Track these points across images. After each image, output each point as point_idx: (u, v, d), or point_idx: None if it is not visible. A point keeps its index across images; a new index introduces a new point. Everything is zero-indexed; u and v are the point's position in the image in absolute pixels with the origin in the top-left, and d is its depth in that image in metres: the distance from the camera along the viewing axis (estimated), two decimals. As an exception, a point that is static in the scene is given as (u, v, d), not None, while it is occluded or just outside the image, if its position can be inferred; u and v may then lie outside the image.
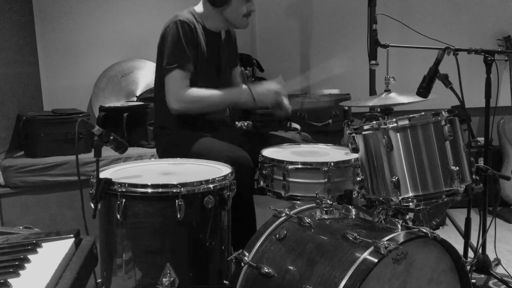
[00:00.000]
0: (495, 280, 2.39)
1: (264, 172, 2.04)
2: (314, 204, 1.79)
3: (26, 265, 1.00)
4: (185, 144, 2.20)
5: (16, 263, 0.99)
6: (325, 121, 3.28)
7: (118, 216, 1.65)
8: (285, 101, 2.34)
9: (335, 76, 2.16)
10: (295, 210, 1.76)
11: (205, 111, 2.27)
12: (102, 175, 1.73)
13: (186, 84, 2.19)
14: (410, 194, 1.70)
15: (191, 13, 2.28)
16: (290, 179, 1.95)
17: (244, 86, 2.29)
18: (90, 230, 1.69)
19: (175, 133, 2.30)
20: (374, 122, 1.76)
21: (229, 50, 2.45)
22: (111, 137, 1.72)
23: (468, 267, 1.99)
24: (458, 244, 2.39)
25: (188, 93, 2.18)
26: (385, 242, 1.42)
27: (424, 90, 1.89)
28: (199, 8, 2.32)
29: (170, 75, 2.17)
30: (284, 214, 1.74)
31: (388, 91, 2.11)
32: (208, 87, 2.25)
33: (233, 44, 2.50)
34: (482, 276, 2.42)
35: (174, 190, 1.64)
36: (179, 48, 2.16)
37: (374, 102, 2.13)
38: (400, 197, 1.70)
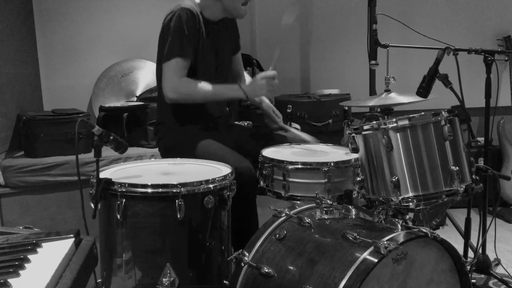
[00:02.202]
0: (495, 280, 2.39)
1: (264, 172, 2.04)
2: (314, 204, 1.80)
3: (26, 265, 1.00)
4: (188, 147, 2.19)
5: (16, 263, 0.99)
6: (325, 121, 3.28)
7: (118, 216, 1.65)
8: (278, 116, 2.44)
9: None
10: (295, 210, 1.76)
11: (197, 102, 2.27)
12: (102, 175, 1.73)
13: (183, 74, 2.19)
14: (410, 194, 1.70)
15: (193, 3, 2.28)
16: (290, 179, 1.95)
17: (234, 85, 2.30)
18: (90, 230, 1.69)
19: (177, 130, 2.30)
20: (374, 122, 1.76)
21: (228, 37, 2.45)
22: (111, 137, 1.72)
23: (468, 267, 1.99)
24: (458, 244, 2.39)
25: (184, 84, 2.19)
26: (385, 242, 1.42)
27: (424, 90, 1.89)
28: None
29: (169, 62, 2.16)
30: (284, 214, 1.74)
31: (388, 91, 2.11)
32: (207, 76, 2.26)
33: (233, 29, 2.49)
34: (482, 276, 2.42)
35: (174, 190, 1.64)
36: (181, 36, 2.16)
37: (374, 102, 2.13)
38: (400, 197, 1.70)
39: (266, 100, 2.50)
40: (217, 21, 2.36)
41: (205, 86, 2.21)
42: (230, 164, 1.95)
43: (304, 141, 2.39)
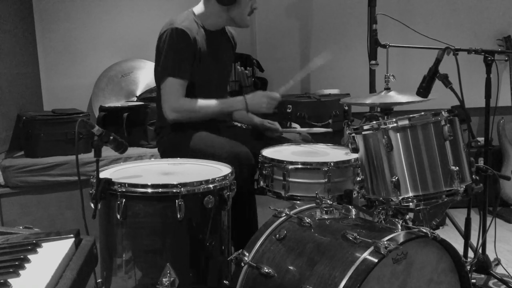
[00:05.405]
0: (495, 280, 2.39)
1: (264, 172, 2.04)
2: (314, 204, 1.80)
3: (26, 265, 1.00)
4: (186, 140, 2.20)
5: (16, 263, 0.99)
6: (325, 121, 3.28)
7: (118, 216, 1.65)
8: (275, 124, 2.43)
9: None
10: (295, 210, 1.77)
11: (200, 120, 2.26)
12: (102, 175, 1.73)
13: (181, 93, 2.18)
14: (410, 194, 1.70)
15: (190, 16, 2.27)
16: (290, 179, 1.95)
17: (238, 97, 2.30)
18: (90, 230, 1.69)
19: (176, 133, 2.30)
20: (374, 122, 1.76)
21: (229, 53, 2.45)
22: (111, 137, 1.72)
23: (468, 267, 1.99)
24: (458, 244, 2.38)
25: (184, 104, 2.19)
26: (385, 242, 1.42)
27: (424, 90, 1.89)
28: (198, 8, 2.31)
29: (164, 83, 2.18)
30: (284, 214, 1.74)
31: (388, 89, 2.11)
32: (206, 91, 2.26)
33: (232, 49, 2.50)
34: (482, 276, 2.42)
35: (174, 190, 1.64)
36: (173, 56, 2.16)
37: (373, 99, 2.14)
38: (400, 197, 1.70)
39: (255, 116, 2.49)
40: (220, 33, 2.35)
41: (205, 103, 2.20)
42: (227, 149, 1.95)
43: (309, 135, 2.40)
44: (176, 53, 2.16)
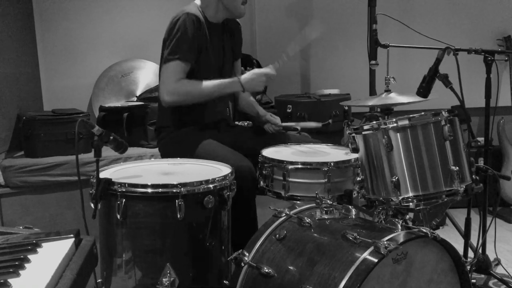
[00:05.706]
0: (495, 280, 2.39)
1: (264, 172, 2.04)
2: (314, 204, 1.80)
3: (26, 265, 1.00)
4: (188, 147, 2.19)
5: (16, 263, 0.99)
6: (325, 121, 3.28)
7: (118, 216, 1.65)
8: (277, 119, 2.42)
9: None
10: (295, 210, 1.77)
11: (196, 102, 2.24)
12: (102, 175, 1.73)
13: (181, 77, 2.18)
14: (410, 194, 1.70)
15: (196, 6, 2.29)
16: (290, 179, 1.95)
17: (234, 78, 2.28)
18: (90, 230, 1.69)
19: (177, 132, 2.30)
20: (374, 122, 1.76)
21: (232, 41, 2.46)
22: (111, 137, 1.72)
23: (468, 267, 1.99)
24: (458, 244, 2.38)
25: (181, 85, 2.17)
26: (385, 242, 1.42)
27: (424, 90, 1.89)
28: (198, 0, 2.33)
29: (169, 64, 2.16)
30: (284, 214, 1.74)
31: (388, 91, 2.11)
32: (209, 79, 2.26)
33: (238, 34, 2.50)
34: (482, 276, 2.42)
35: (174, 190, 1.64)
36: (184, 40, 2.16)
37: (374, 102, 2.14)
38: (400, 197, 1.70)
39: (260, 108, 2.50)
40: (222, 24, 2.36)
41: (201, 84, 2.19)
42: (230, 163, 1.96)
43: (313, 129, 2.45)
44: (186, 37, 2.15)
